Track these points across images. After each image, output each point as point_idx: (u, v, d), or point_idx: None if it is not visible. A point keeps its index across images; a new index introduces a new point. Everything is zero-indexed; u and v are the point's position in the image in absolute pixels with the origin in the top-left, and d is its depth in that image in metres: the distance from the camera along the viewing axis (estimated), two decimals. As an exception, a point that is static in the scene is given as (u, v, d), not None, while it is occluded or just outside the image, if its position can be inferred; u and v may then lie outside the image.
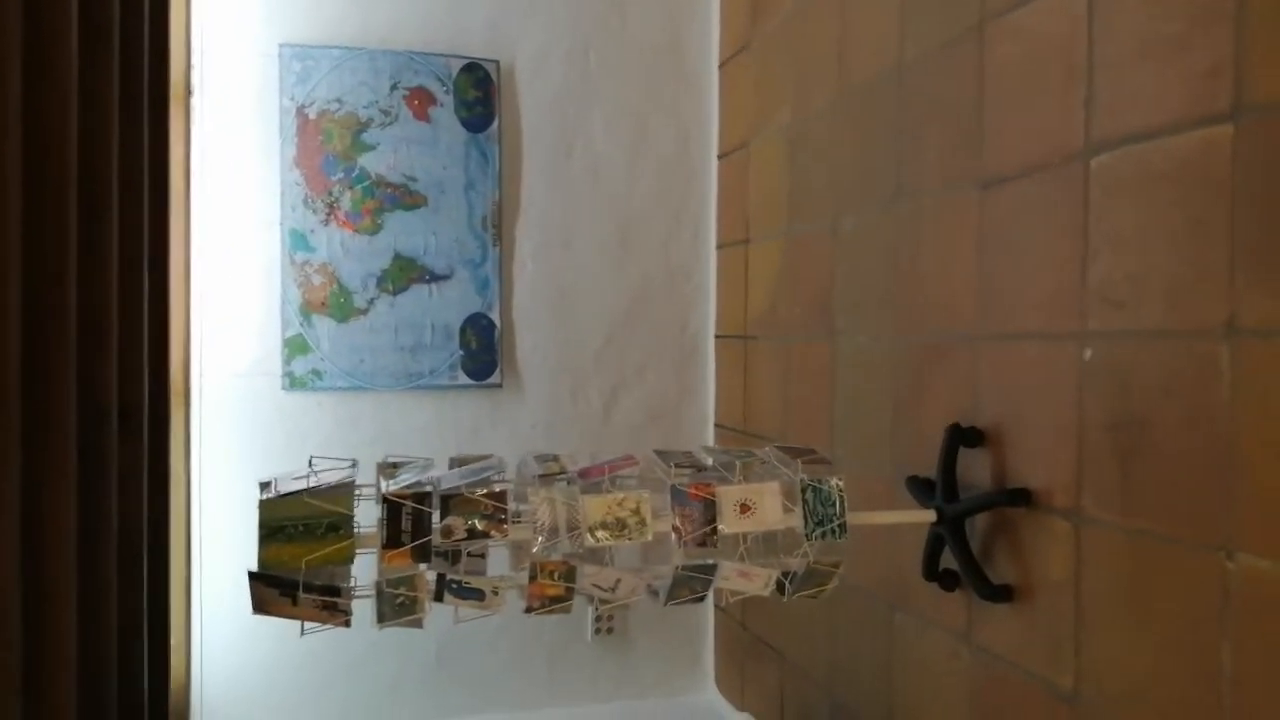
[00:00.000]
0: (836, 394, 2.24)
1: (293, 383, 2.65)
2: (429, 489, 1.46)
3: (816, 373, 2.32)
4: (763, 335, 2.64)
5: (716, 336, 2.96)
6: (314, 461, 1.51)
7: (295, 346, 2.65)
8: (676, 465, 1.61)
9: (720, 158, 2.93)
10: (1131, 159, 1.38)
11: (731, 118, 2.87)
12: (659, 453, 1.66)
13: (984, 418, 1.71)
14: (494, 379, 2.79)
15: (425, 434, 2.74)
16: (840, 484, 1.59)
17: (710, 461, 1.66)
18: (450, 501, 1.45)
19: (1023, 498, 1.59)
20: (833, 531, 1.57)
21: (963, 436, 1.72)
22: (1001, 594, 1.63)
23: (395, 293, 2.72)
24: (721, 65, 2.92)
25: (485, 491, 1.46)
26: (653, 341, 2.96)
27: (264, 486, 1.46)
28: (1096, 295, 1.45)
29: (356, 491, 1.45)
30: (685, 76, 2.96)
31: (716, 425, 2.95)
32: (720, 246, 2.93)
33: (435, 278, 2.75)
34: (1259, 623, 1.18)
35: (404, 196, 2.72)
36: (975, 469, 1.72)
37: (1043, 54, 1.56)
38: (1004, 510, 1.64)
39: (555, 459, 1.64)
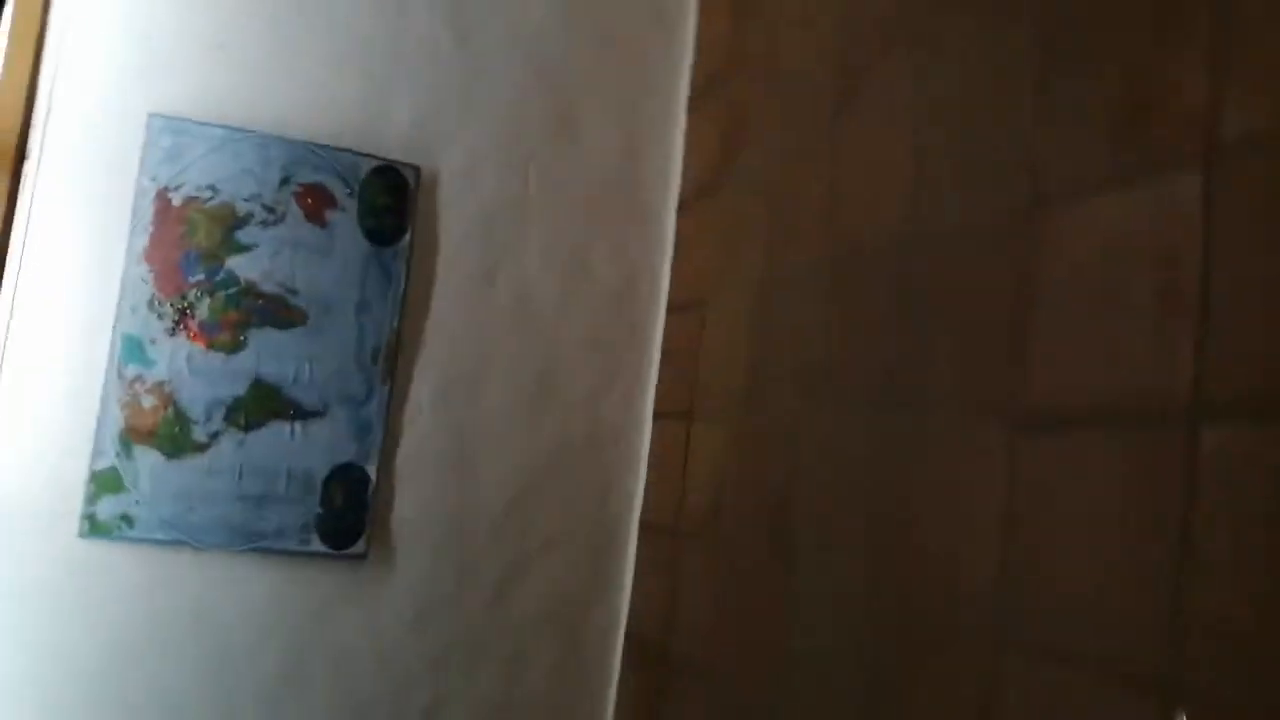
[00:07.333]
0: (795, 629, 1.72)
1: (93, 528, 2.05)
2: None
3: (768, 598, 1.81)
4: (700, 534, 2.13)
5: (641, 522, 2.43)
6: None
7: (105, 483, 2.06)
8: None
9: (670, 312, 2.47)
10: (1266, 440, 0.93)
11: (688, 268, 2.42)
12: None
13: (998, 748, 1.21)
14: (357, 548, 2.22)
15: (256, 613, 2.14)
16: None
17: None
18: None
19: None
20: None
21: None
22: None
23: (247, 428, 2.16)
24: (681, 205, 2.50)
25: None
26: (565, 516, 2.42)
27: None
28: (1198, 624, 0.97)
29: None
30: (639, 211, 2.52)
31: (628, 634, 2.39)
32: (658, 416, 2.44)
33: (302, 414, 2.20)
34: None
35: (278, 311, 2.20)
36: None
37: (1132, 264, 1.13)
38: None
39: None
